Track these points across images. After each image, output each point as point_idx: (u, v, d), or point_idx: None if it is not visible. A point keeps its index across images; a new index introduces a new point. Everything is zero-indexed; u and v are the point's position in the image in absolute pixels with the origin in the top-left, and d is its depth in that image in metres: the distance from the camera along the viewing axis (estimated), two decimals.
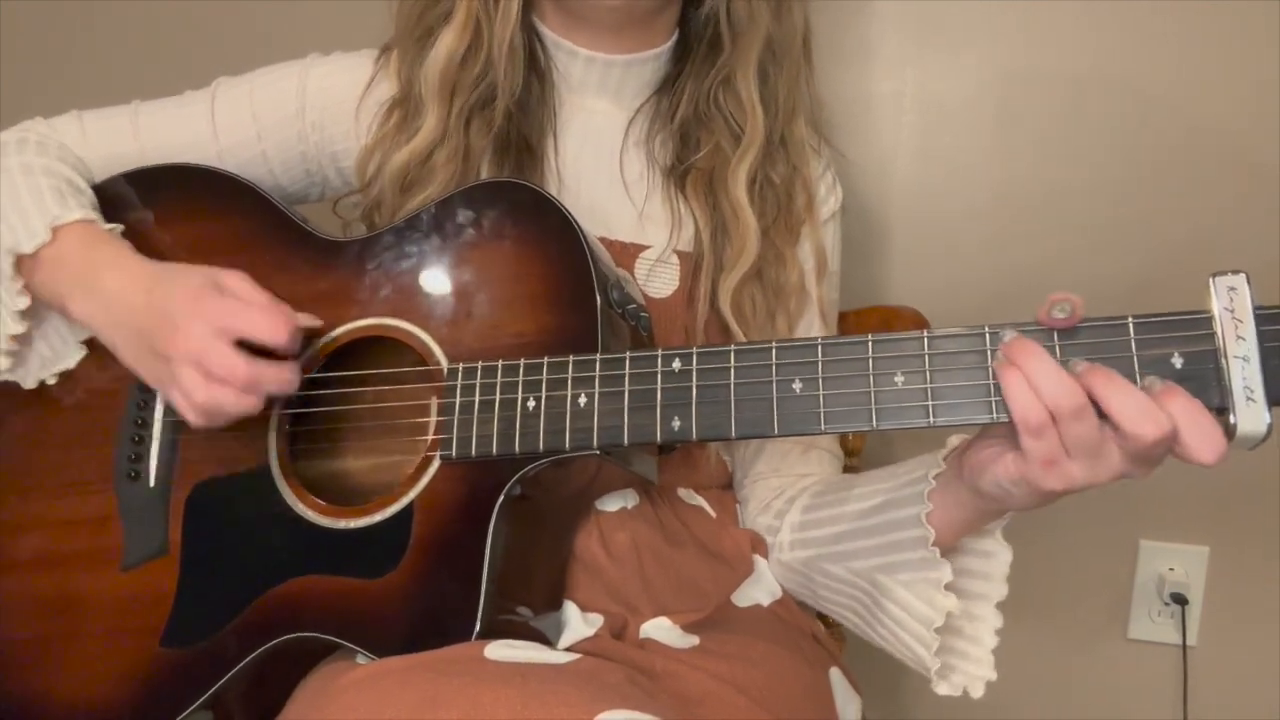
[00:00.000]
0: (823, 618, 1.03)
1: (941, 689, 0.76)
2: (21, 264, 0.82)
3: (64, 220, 0.82)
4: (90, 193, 0.88)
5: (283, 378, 0.76)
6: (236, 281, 0.78)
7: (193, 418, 0.76)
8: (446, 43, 0.87)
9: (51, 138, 0.92)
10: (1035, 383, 0.61)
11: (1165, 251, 1.22)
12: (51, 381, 0.88)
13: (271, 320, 0.76)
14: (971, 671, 0.76)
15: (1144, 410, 0.59)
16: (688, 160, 0.92)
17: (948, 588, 0.73)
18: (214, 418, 0.76)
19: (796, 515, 0.89)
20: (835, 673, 0.87)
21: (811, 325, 0.96)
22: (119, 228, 0.85)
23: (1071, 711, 1.37)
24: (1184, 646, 1.32)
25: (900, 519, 0.76)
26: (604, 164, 0.93)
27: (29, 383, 0.88)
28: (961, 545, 0.77)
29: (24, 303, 0.82)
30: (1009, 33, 1.22)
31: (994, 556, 0.77)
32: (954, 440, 0.75)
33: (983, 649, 0.76)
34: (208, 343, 0.74)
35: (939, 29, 1.23)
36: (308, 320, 0.80)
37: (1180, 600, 1.30)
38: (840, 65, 1.23)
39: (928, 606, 0.74)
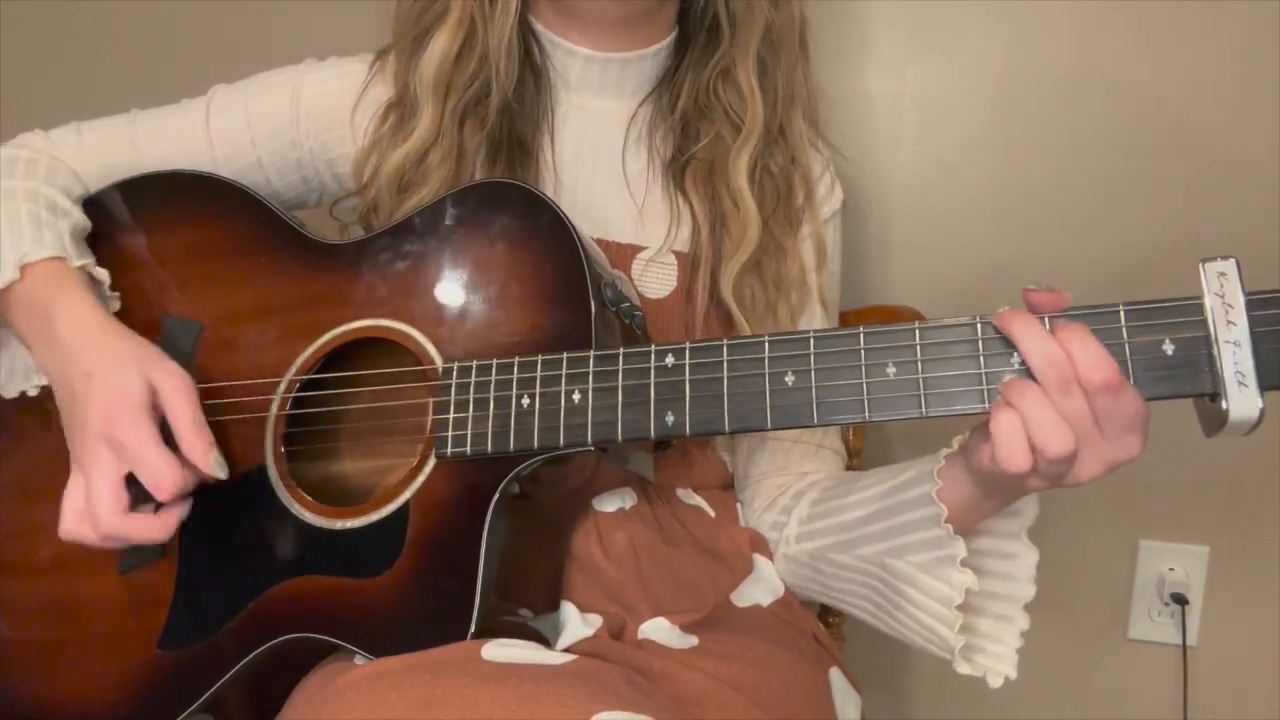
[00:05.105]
0: (823, 617, 1.03)
1: (963, 669, 0.74)
2: None
3: (32, 259, 0.80)
4: (75, 214, 0.86)
5: (151, 532, 0.76)
6: (170, 395, 0.76)
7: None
8: (441, 41, 0.88)
9: (44, 153, 0.91)
10: (1029, 427, 0.61)
11: (1163, 249, 1.22)
12: (33, 392, 0.87)
13: (160, 473, 0.74)
14: (991, 666, 0.75)
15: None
16: (688, 151, 0.93)
17: (963, 565, 0.72)
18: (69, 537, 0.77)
19: (804, 509, 0.89)
20: (835, 672, 0.86)
21: (813, 318, 0.96)
22: (91, 260, 0.84)
23: (1071, 711, 1.36)
24: (1184, 646, 1.31)
25: (911, 499, 0.76)
26: (604, 163, 0.94)
27: (9, 392, 0.88)
28: (984, 548, 0.77)
29: None
30: (1007, 32, 1.22)
31: (1018, 558, 0.76)
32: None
33: (1006, 647, 0.75)
34: (100, 472, 0.74)
35: (937, 28, 1.24)
36: (214, 467, 0.77)
37: (1180, 600, 1.30)
38: (839, 64, 1.24)
39: (946, 585, 0.73)
